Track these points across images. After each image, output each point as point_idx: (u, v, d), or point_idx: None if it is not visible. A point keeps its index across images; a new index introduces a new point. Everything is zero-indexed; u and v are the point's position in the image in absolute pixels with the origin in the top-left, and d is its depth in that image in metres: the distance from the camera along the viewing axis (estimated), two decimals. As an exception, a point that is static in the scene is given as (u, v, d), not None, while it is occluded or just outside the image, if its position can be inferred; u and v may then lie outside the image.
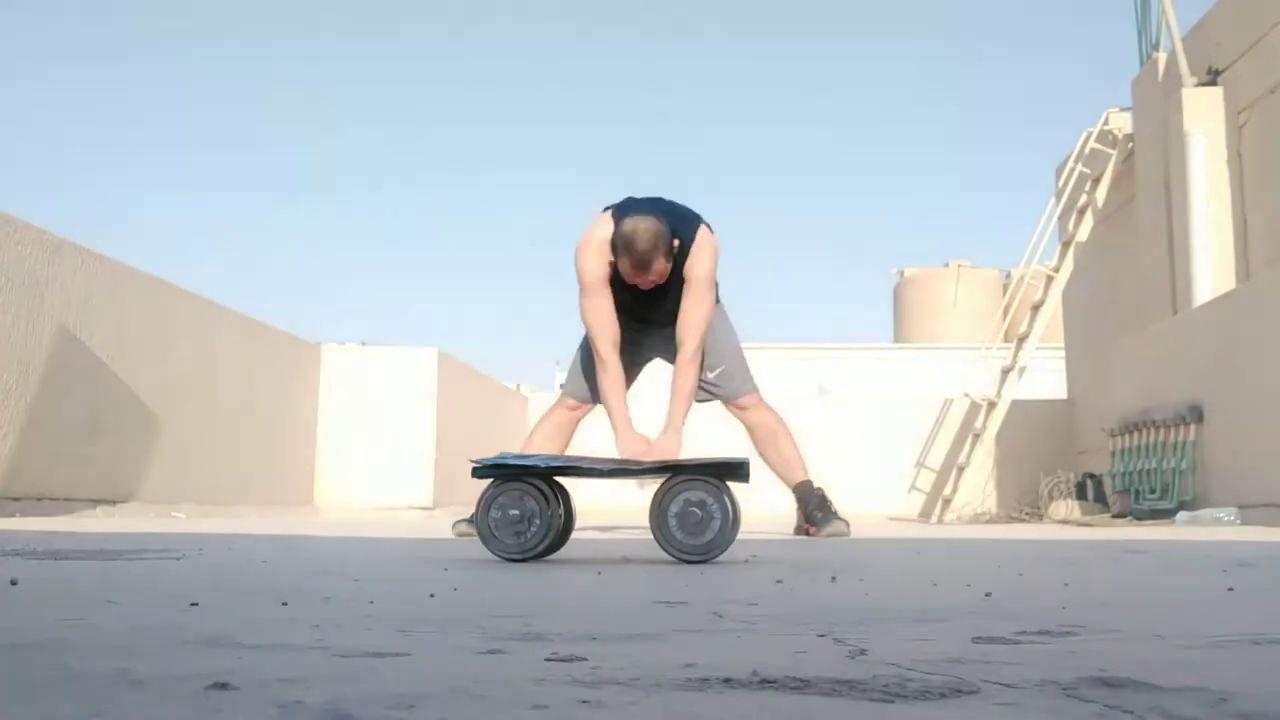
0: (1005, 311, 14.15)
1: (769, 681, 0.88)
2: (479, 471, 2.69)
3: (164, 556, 2.68)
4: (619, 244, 3.73)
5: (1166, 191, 10.67)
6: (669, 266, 3.83)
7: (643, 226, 3.68)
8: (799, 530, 4.78)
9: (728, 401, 4.63)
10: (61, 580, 1.99)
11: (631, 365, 4.24)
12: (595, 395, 4.25)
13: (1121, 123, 12.24)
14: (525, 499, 2.64)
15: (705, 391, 4.47)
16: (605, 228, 3.81)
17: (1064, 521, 9.98)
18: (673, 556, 2.62)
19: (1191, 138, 10.14)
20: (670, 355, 4.15)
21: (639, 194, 4.01)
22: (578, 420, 4.57)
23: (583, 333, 4.15)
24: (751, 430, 4.73)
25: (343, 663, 0.98)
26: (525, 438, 4.66)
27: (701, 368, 4.17)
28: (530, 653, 1.05)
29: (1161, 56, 11.14)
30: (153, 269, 7.80)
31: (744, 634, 1.25)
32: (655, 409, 4.14)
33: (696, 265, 3.87)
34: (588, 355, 4.25)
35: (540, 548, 2.64)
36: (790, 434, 4.77)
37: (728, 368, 4.53)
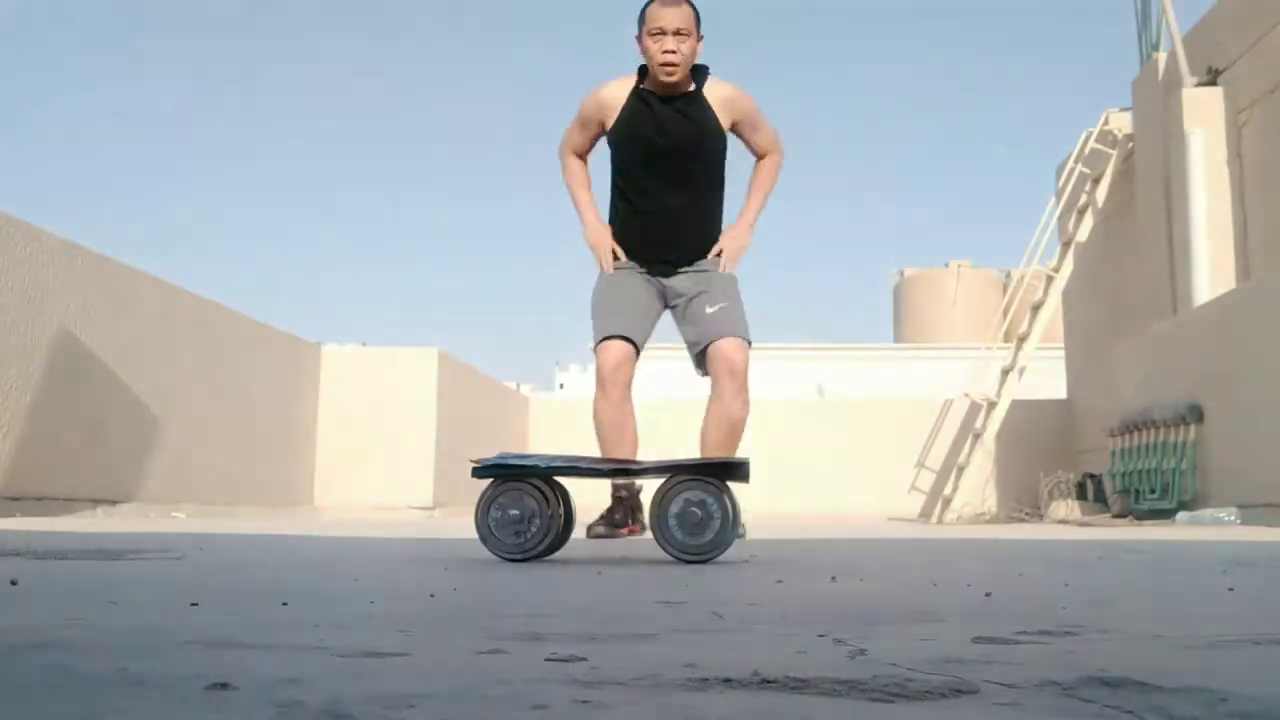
0: (1005, 311, 14.16)
1: (769, 681, 0.88)
2: (479, 471, 2.69)
3: (164, 556, 2.68)
4: (648, 6, 3.88)
5: (1166, 192, 10.67)
6: (696, 49, 3.88)
7: None
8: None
9: (717, 337, 3.99)
10: (61, 580, 1.99)
11: (645, 318, 4.11)
12: (631, 326, 4.03)
13: (1121, 123, 12.24)
14: (525, 499, 2.64)
15: (700, 328, 4.04)
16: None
17: (1064, 521, 9.98)
18: (673, 556, 2.62)
19: (1191, 138, 10.14)
20: (684, 313, 4.10)
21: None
22: (629, 388, 4.05)
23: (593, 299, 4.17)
24: (721, 411, 3.99)
25: (343, 663, 0.98)
26: (601, 434, 4.09)
27: (704, 304, 4.03)
28: (530, 653, 1.05)
29: (1161, 56, 11.14)
30: (152, 269, 7.80)
31: (744, 634, 1.25)
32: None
33: (743, 104, 4.00)
34: (608, 295, 4.10)
35: (540, 548, 2.64)
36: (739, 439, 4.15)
37: (730, 306, 4.07)
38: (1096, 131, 12.52)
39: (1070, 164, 12.65)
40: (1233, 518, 7.90)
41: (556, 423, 14.25)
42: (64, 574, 2.13)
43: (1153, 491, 9.41)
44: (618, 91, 3.98)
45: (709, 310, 4.04)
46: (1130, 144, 12.00)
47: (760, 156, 4.16)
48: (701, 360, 4.07)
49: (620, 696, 0.82)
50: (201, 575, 2.16)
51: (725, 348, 3.98)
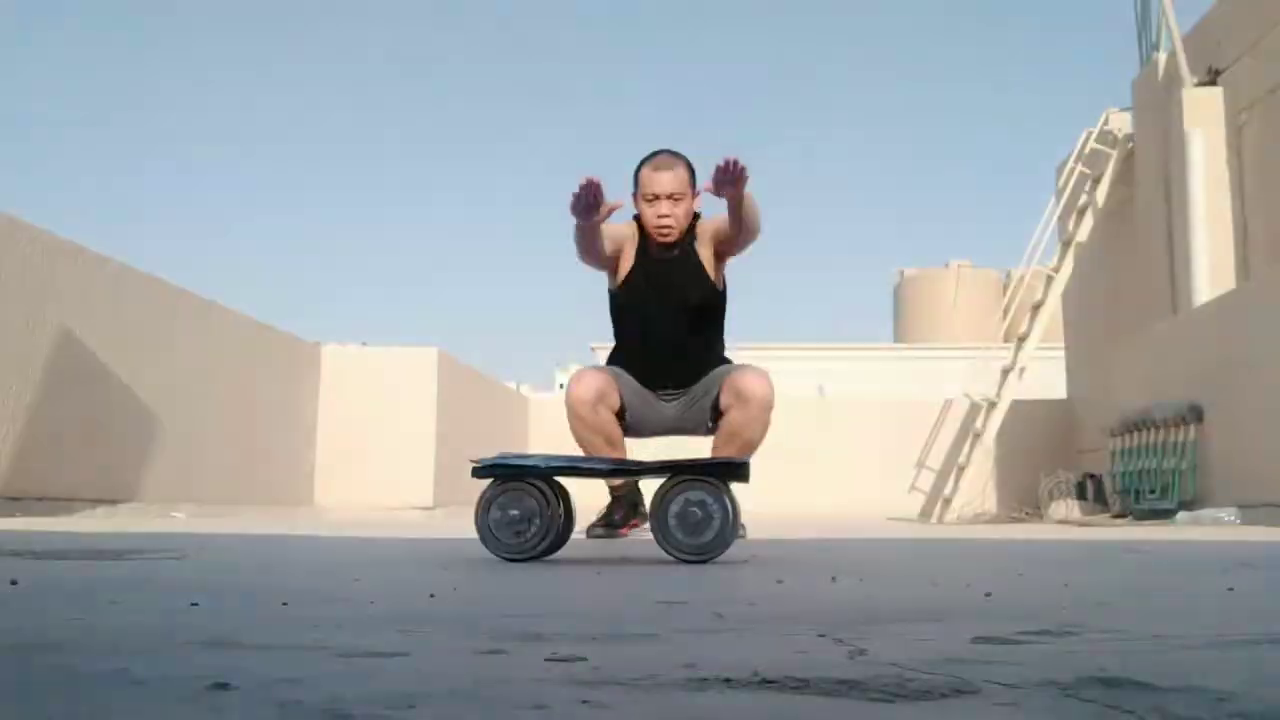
0: (1005, 311, 14.16)
1: (769, 681, 0.88)
2: (479, 471, 2.69)
3: (164, 556, 2.68)
4: (641, 169, 3.91)
5: (1166, 192, 10.67)
6: (690, 208, 3.91)
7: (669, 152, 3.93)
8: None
9: (728, 378, 3.92)
10: (61, 580, 1.99)
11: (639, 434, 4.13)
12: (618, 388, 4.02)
13: (1121, 123, 12.25)
14: (525, 499, 2.64)
15: (704, 396, 4.04)
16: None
17: (1064, 521, 9.98)
18: (673, 556, 2.62)
19: (1191, 138, 10.15)
20: (684, 424, 4.09)
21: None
22: (601, 397, 3.93)
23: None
24: (748, 395, 3.84)
25: (343, 663, 0.98)
26: (582, 441, 4.02)
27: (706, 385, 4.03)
28: (530, 653, 1.05)
29: (1161, 56, 11.14)
30: (153, 269, 7.80)
31: (744, 634, 1.25)
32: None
33: (719, 222, 3.94)
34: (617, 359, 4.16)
35: (540, 548, 2.64)
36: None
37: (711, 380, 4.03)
38: (1096, 131, 12.52)
39: (1070, 164, 12.65)
40: (1233, 518, 7.90)
41: (556, 423, 14.25)
42: (64, 574, 2.13)
43: (1153, 491, 9.41)
44: (624, 231, 3.99)
45: (717, 376, 4.00)
46: (1130, 144, 12.01)
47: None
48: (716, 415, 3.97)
49: (620, 696, 0.82)
50: (201, 575, 2.16)
51: (741, 378, 3.85)
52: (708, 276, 4.00)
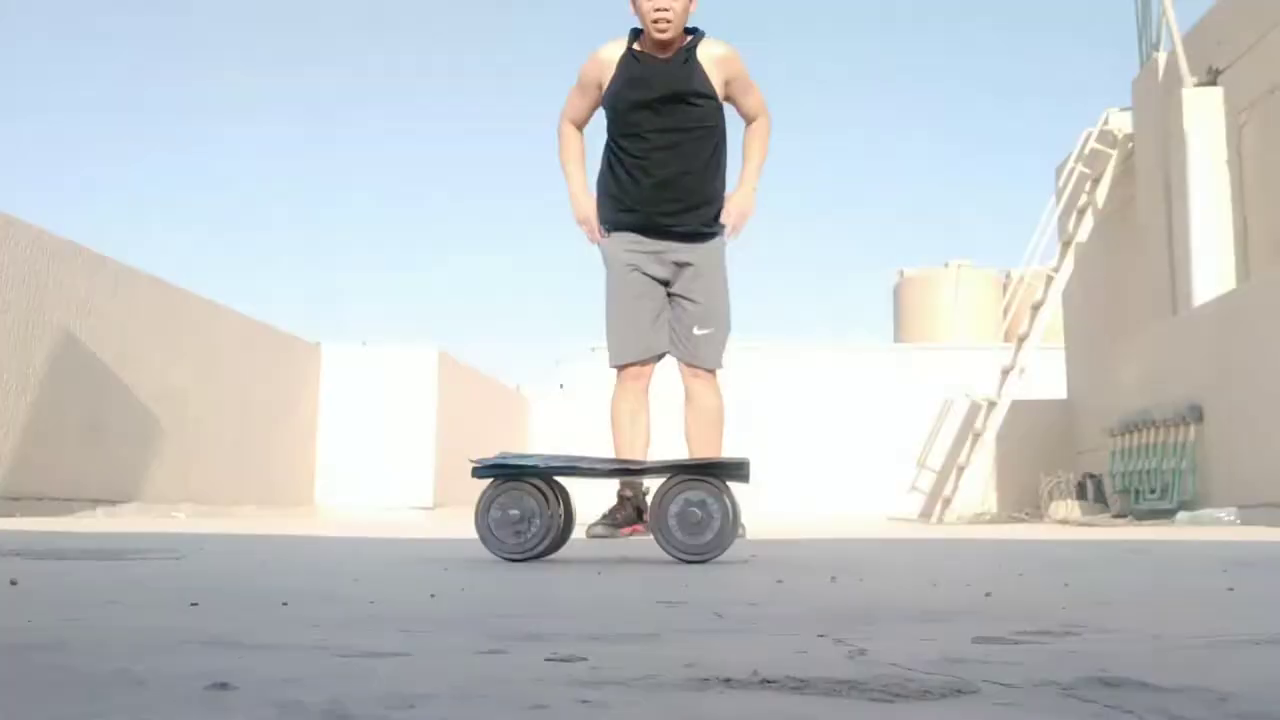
0: (1005, 311, 14.17)
1: (769, 681, 0.88)
2: (479, 471, 2.69)
3: (164, 557, 2.68)
4: None
5: (1166, 191, 10.67)
6: (690, 8, 3.85)
7: None
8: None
9: (691, 364, 4.12)
10: (61, 580, 1.99)
11: (657, 326, 4.10)
12: (645, 349, 4.06)
13: (1121, 123, 12.25)
14: (525, 499, 2.64)
15: (682, 347, 4.11)
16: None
17: (1064, 521, 9.98)
18: (673, 556, 2.62)
19: (1191, 138, 10.15)
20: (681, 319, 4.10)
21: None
22: (647, 388, 4.13)
23: (605, 313, 4.16)
24: (697, 405, 4.13)
25: (343, 663, 0.98)
26: (616, 439, 4.12)
27: (694, 323, 4.04)
28: (530, 653, 1.05)
29: (1161, 56, 11.14)
30: (152, 269, 7.80)
31: (744, 634, 1.25)
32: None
33: (736, 64, 3.98)
34: (620, 313, 4.10)
35: (540, 548, 2.64)
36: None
37: (715, 333, 4.14)
38: (1096, 131, 12.52)
39: (1070, 164, 12.65)
40: (1233, 518, 7.90)
41: (556, 423, 14.25)
42: (64, 574, 2.13)
43: (1153, 491, 9.41)
44: (613, 52, 3.95)
45: (696, 333, 4.09)
46: (1130, 144, 12.01)
47: (750, 120, 4.14)
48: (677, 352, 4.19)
49: (620, 696, 0.82)
50: (202, 575, 2.16)
51: (695, 389, 4.13)
52: (706, 75, 3.91)
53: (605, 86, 3.98)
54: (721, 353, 4.19)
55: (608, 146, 4.10)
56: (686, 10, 3.86)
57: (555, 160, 4.23)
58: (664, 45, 3.87)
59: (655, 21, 3.80)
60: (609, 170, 4.09)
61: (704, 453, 4.07)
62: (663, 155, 3.95)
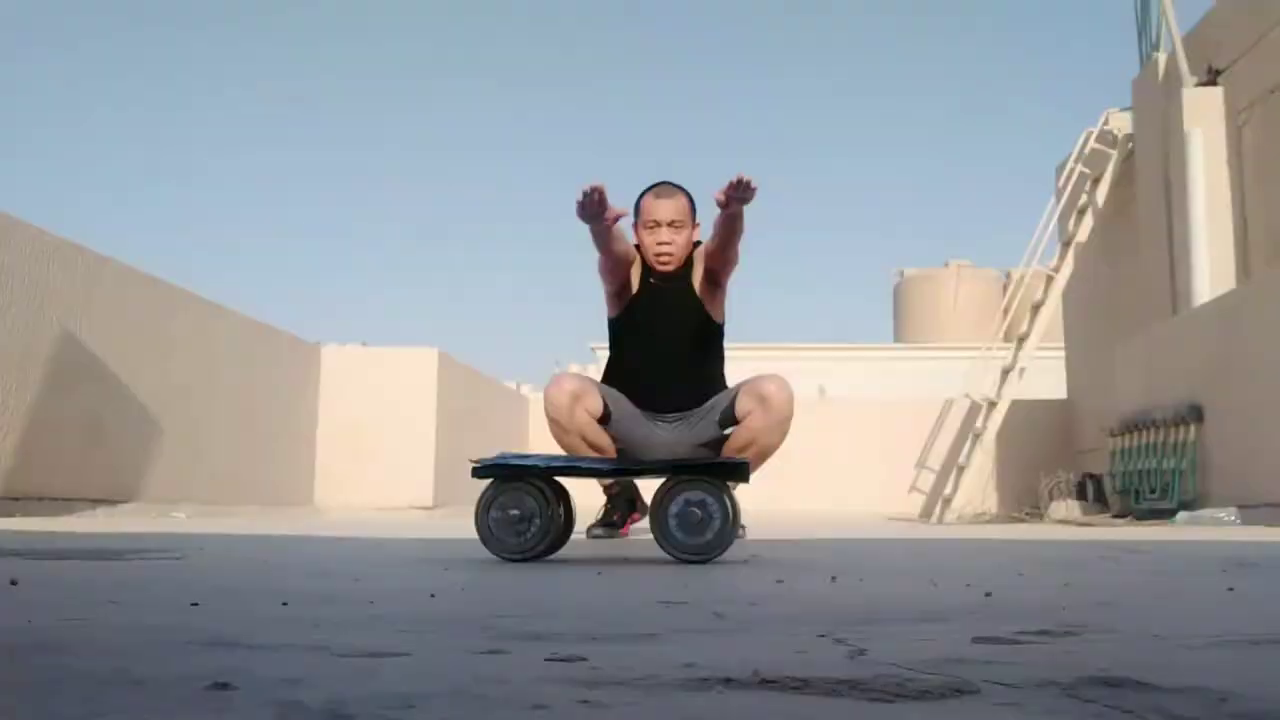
0: (1005, 311, 14.16)
1: (769, 681, 0.88)
2: (479, 471, 2.70)
3: (164, 557, 2.68)
4: (642, 198, 3.89)
5: (1166, 191, 10.67)
6: (690, 237, 3.90)
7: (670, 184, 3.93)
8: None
9: (748, 384, 3.94)
10: (61, 580, 1.99)
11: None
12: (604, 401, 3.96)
13: (1121, 123, 12.24)
14: (525, 499, 2.64)
15: (714, 448, 3.98)
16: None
17: (1064, 521, 9.98)
18: (673, 556, 2.62)
19: (1191, 138, 10.15)
20: (683, 444, 3.98)
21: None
22: (579, 399, 3.91)
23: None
24: (769, 405, 3.86)
25: (343, 663, 0.98)
26: (564, 443, 3.99)
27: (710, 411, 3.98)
28: (530, 653, 1.05)
29: (1161, 56, 11.14)
30: (152, 269, 7.81)
31: (744, 634, 1.25)
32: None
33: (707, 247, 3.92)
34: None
35: (540, 548, 2.64)
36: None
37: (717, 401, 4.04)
38: (1096, 131, 12.52)
39: (1070, 164, 12.65)
40: (1233, 518, 7.90)
41: (556, 423, 14.22)
42: (64, 574, 2.13)
43: (1153, 491, 9.41)
44: (630, 259, 3.96)
45: (727, 392, 3.99)
46: (1130, 144, 12.00)
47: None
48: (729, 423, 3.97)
49: (620, 696, 0.82)
50: (201, 575, 2.16)
51: (765, 383, 3.86)
52: (704, 307, 3.98)
53: (628, 286, 3.97)
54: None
55: (610, 364, 4.17)
56: (689, 241, 3.93)
57: (574, 224, 4.11)
58: (667, 275, 3.95)
59: (658, 255, 3.91)
60: (612, 370, 4.15)
61: (753, 452, 3.83)
62: (663, 367, 3.99)
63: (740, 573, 2.37)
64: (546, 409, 3.89)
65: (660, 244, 3.88)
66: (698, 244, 3.99)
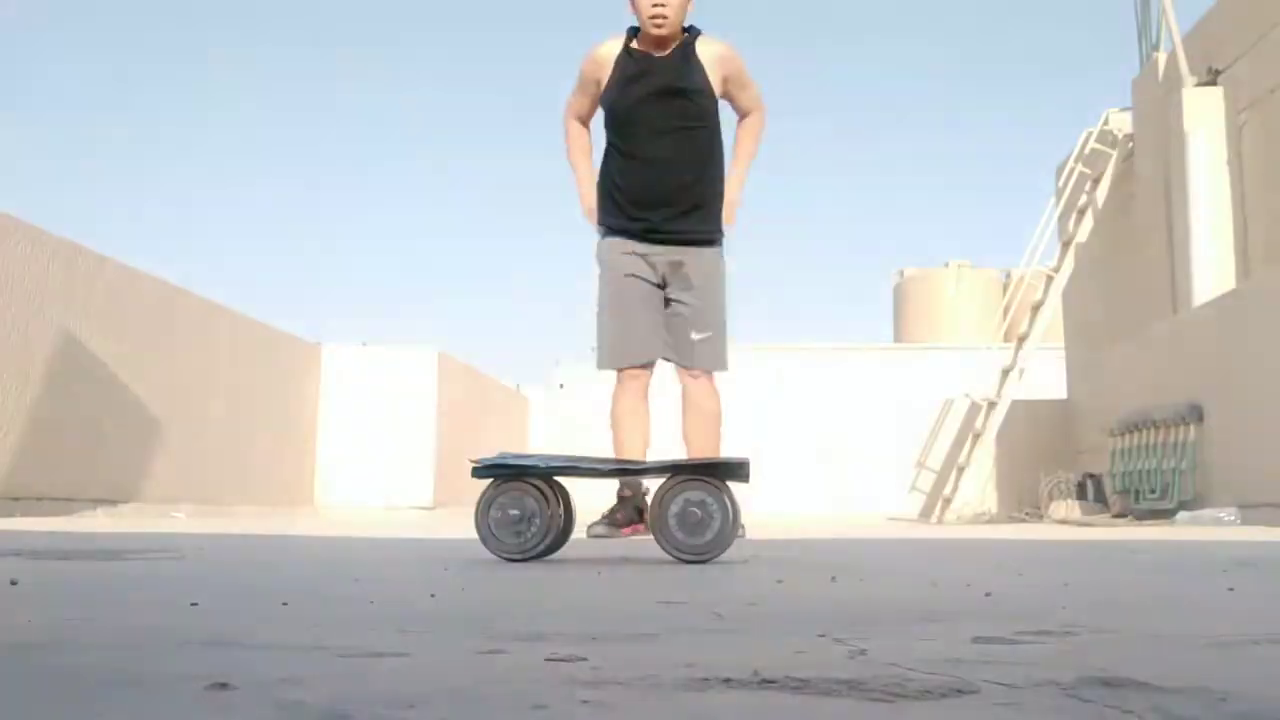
0: (1005, 311, 14.16)
1: (769, 681, 0.88)
2: (479, 471, 2.69)
3: (164, 557, 2.68)
4: None
5: (1166, 191, 10.67)
6: (687, 5, 3.83)
7: None
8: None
9: (689, 369, 4.09)
10: (61, 580, 1.99)
11: (655, 330, 4.06)
12: (641, 353, 4.04)
13: (1121, 123, 12.25)
14: (525, 499, 2.64)
15: (680, 351, 4.07)
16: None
17: (1064, 521, 9.98)
18: (673, 556, 2.62)
19: (1191, 138, 10.15)
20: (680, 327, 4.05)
21: None
22: (647, 387, 4.09)
23: (597, 312, 4.14)
24: (697, 408, 4.10)
25: (343, 663, 0.98)
26: (615, 438, 4.11)
27: (690, 328, 4.01)
28: (530, 653, 1.05)
29: (1161, 56, 11.14)
30: (152, 269, 7.80)
31: (744, 634, 1.25)
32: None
33: (735, 62, 3.97)
34: (617, 317, 4.06)
35: (540, 548, 2.64)
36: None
37: (712, 337, 4.11)
38: (1096, 131, 12.52)
39: (1070, 164, 12.65)
40: (1233, 518, 7.90)
41: (556, 423, 14.25)
42: (64, 574, 2.13)
43: (1153, 491, 9.41)
44: (611, 49, 3.94)
45: (694, 337, 4.06)
46: (1130, 144, 12.01)
47: (744, 115, 4.14)
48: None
49: (620, 696, 0.82)
50: (201, 575, 2.16)
51: (692, 391, 4.10)
52: (705, 73, 3.90)
53: (603, 84, 3.98)
54: (723, 355, 4.16)
55: (606, 149, 4.10)
56: (684, 7, 3.85)
57: (562, 157, 4.22)
58: (661, 41, 3.86)
59: (652, 17, 3.79)
60: (607, 172, 4.09)
61: (703, 454, 4.02)
62: (659, 150, 3.93)
63: (740, 573, 2.37)
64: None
65: (655, 5, 3.76)
66: (695, 31, 3.93)
